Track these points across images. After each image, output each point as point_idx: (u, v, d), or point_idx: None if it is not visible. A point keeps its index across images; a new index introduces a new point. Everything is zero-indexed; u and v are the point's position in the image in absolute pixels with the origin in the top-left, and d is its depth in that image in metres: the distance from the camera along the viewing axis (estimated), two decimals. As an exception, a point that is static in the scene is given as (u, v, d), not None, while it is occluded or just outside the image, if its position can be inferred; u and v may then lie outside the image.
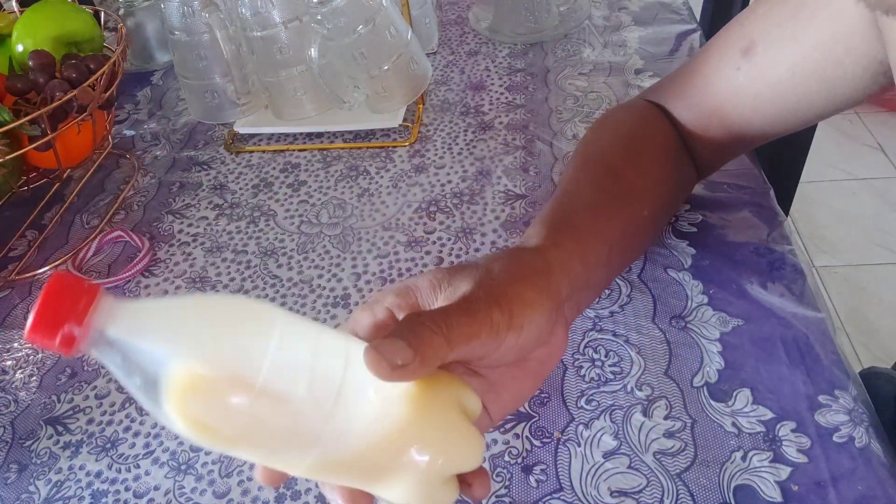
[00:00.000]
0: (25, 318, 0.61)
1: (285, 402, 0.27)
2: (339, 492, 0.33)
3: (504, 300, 0.34)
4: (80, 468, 0.50)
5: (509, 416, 0.48)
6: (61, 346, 0.25)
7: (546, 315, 0.36)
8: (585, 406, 0.48)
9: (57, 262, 0.66)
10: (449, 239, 0.62)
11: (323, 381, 0.28)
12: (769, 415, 0.46)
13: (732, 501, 0.42)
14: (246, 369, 0.26)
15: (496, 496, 0.44)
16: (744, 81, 0.49)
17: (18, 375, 0.57)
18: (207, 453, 0.49)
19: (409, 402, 0.30)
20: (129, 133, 0.82)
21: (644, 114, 0.54)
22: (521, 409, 0.48)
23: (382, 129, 0.76)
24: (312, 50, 0.67)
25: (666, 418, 0.46)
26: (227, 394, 0.26)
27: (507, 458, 0.46)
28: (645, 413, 0.47)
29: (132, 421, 0.52)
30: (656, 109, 0.54)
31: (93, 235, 0.68)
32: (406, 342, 0.29)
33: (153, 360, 0.26)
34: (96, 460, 0.50)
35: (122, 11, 0.89)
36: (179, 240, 0.67)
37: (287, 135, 0.77)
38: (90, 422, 0.53)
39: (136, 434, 0.51)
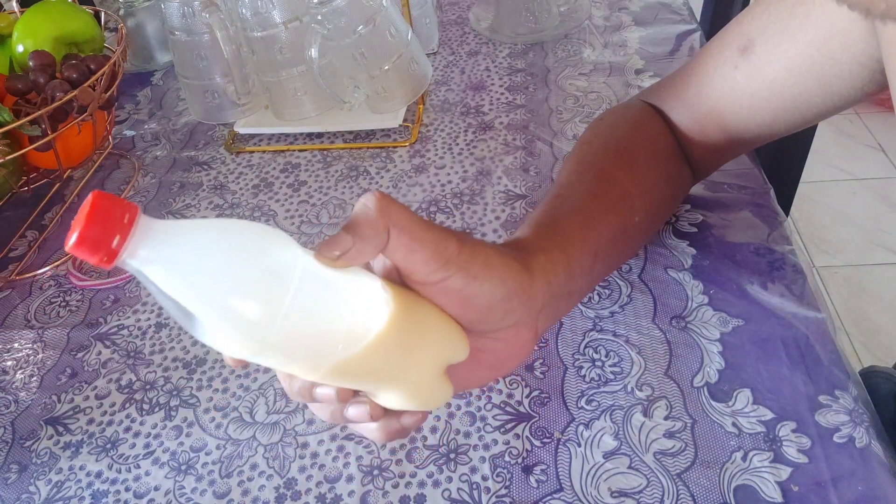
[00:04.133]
0: (26, 319, 0.61)
1: (305, 325, 0.29)
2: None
3: (467, 245, 0.34)
4: (81, 468, 0.50)
5: (509, 416, 0.48)
6: (102, 259, 0.26)
7: (503, 295, 0.35)
8: (586, 406, 0.48)
9: (57, 263, 0.66)
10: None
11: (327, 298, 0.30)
12: (769, 415, 0.46)
13: (733, 501, 0.42)
14: (270, 301, 0.28)
15: (496, 496, 0.45)
16: (741, 80, 0.49)
17: (19, 376, 0.57)
18: (208, 453, 0.49)
19: (395, 307, 0.32)
20: (130, 133, 0.82)
21: (640, 116, 0.54)
22: (522, 410, 0.49)
23: (382, 130, 0.76)
24: (313, 50, 0.67)
25: (666, 418, 0.46)
26: (253, 327, 0.28)
27: (507, 459, 0.46)
28: (645, 413, 0.47)
29: (132, 421, 0.52)
30: (652, 111, 0.54)
31: (93, 236, 0.68)
32: (348, 233, 0.31)
33: (186, 292, 0.27)
34: (96, 460, 0.50)
35: (122, 12, 0.89)
36: (180, 240, 0.67)
37: (287, 135, 0.77)
38: (90, 422, 0.53)
39: (137, 434, 0.51)
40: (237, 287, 0.27)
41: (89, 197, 0.26)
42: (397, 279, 0.34)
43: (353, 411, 0.34)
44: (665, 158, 0.52)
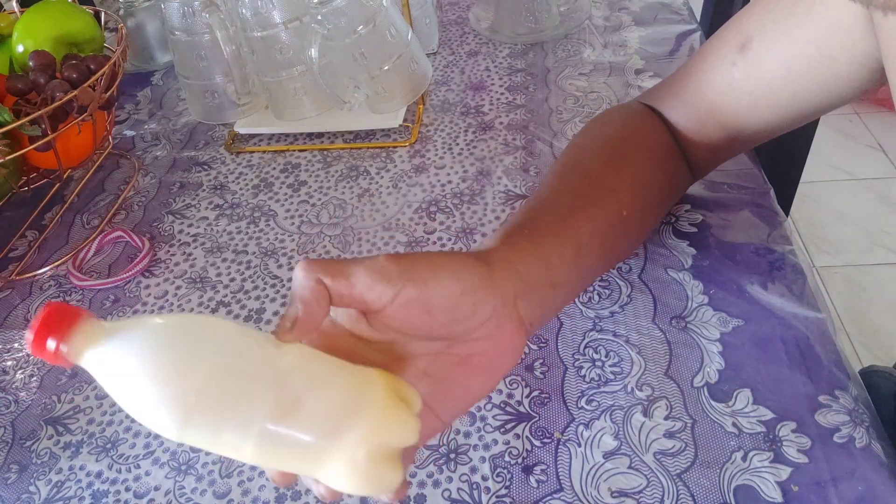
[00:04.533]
0: (26, 319, 0.61)
1: (229, 391, 0.30)
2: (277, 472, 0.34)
3: (403, 258, 0.35)
4: (81, 468, 0.50)
5: (509, 416, 0.48)
6: (53, 359, 0.30)
7: (459, 288, 0.35)
8: (586, 406, 0.48)
9: (57, 263, 0.66)
10: (449, 239, 0.62)
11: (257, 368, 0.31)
12: (769, 415, 0.46)
13: (733, 502, 0.42)
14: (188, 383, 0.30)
15: (496, 496, 0.44)
16: (739, 77, 0.49)
17: (19, 376, 0.57)
18: (208, 454, 0.49)
19: (331, 374, 0.32)
20: (130, 133, 0.82)
21: (632, 115, 0.54)
22: (522, 410, 0.49)
23: (383, 130, 0.76)
24: (312, 50, 0.67)
25: (666, 418, 0.46)
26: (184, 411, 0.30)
27: (507, 459, 0.46)
28: (645, 413, 0.47)
29: (132, 421, 0.52)
30: (647, 110, 0.54)
31: (93, 236, 0.68)
32: (292, 304, 0.33)
33: (126, 384, 0.30)
34: (97, 460, 0.50)
35: (122, 12, 0.89)
36: (180, 240, 0.67)
37: (287, 135, 0.77)
38: (90, 422, 0.53)
39: (137, 434, 0.51)
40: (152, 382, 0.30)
41: (42, 308, 0.30)
42: (370, 334, 0.36)
43: (315, 490, 0.35)
44: (657, 154, 0.52)
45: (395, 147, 0.74)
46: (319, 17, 0.65)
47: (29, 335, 0.30)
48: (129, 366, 0.30)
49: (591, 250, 0.45)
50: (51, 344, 0.30)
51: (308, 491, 0.46)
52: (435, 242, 0.62)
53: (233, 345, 0.31)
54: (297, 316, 0.32)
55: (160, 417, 0.30)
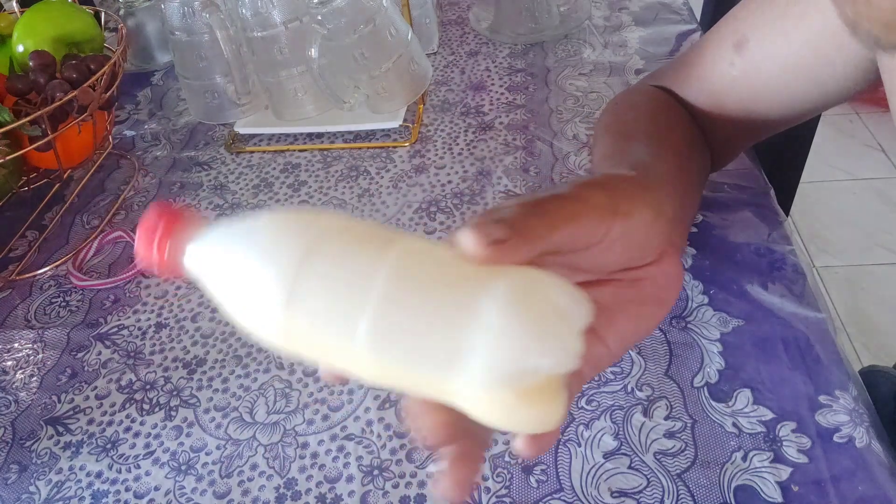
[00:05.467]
0: (26, 319, 0.61)
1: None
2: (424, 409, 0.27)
3: (605, 185, 0.31)
4: (81, 468, 0.50)
5: (510, 417, 0.48)
6: (159, 261, 0.28)
7: (651, 215, 0.32)
8: (586, 406, 0.48)
9: (57, 263, 0.66)
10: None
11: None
12: (769, 415, 0.46)
13: (733, 502, 0.42)
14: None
15: (496, 496, 0.44)
16: (738, 76, 0.49)
17: (19, 376, 0.57)
18: (208, 453, 0.49)
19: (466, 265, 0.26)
20: (130, 133, 0.82)
21: (656, 93, 0.54)
22: (522, 410, 0.48)
23: (383, 130, 0.76)
24: (313, 50, 0.67)
25: (666, 418, 0.46)
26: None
27: (507, 459, 0.46)
28: (645, 413, 0.47)
29: (132, 421, 0.52)
30: (667, 92, 0.54)
31: (93, 236, 0.68)
32: (502, 222, 0.26)
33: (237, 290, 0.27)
34: (97, 461, 0.50)
35: (122, 12, 0.89)
36: (180, 240, 0.67)
37: (287, 135, 0.77)
38: (90, 422, 0.53)
39: (137, 434, 0.51)
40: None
41: (148, 209, 0.29)
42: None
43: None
44: (692, 124, 0.52)
45: (395, 147, 0.74)
46: (319, 17, 0.65)
47: (138, 243, 0.28)
48: (234, 249, 0.27)
49: (690, 193, 0.44)
50: (158, 246, 0.28)
51: (308, 491, 0.46)
52: (435, 242, 0.62)
53: (354, 226, 0.27)
54: (507, 239, 0.26)
55: (263, 297, 0.26)
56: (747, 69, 0.49)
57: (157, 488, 0.48)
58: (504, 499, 0.44)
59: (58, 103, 0.60)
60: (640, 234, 0.31)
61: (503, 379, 0.24)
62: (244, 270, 0.27)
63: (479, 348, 0.24)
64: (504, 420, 0.25)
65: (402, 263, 0.25)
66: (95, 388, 0.55)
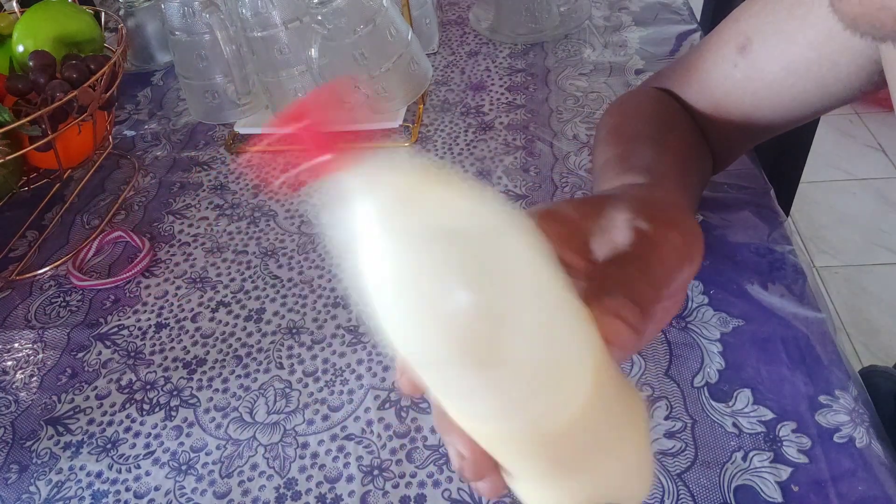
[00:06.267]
0: (26, 319, 0.61)
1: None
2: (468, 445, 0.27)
3: (675, 222, 0.32)
4: (81, 468, 0.50)
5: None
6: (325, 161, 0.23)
7: (700, 242, 0.33)
8: (586, 406, 0.48)
9: (57, 263, 0.66)
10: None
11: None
12: (769, 415, 0.46)
13: (733, 502, 0.42)
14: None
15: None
16: (741, 78, 0.49)
17: (19, 376, 0.57)
18: (208, 454, 0.49)
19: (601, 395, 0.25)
20: (130, 133, 0.82)
21: (659, 95, 0.54)
22: (522, 410, 0.48)
23: (383, 130, 0.75)
24: (312, 50, 0.67)
25: (666, 418, 0.46)
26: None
27: (507, 459, 0.46)
28: (645, 413, 0.47)
29: (132, 421, 0.52)
30: (671, 95, 0.54)
31: (93, 236, 0.68)
32: (626, 298, 0.27)
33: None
34: (97, 461, 0.50)
35: (122, 12, 0.89)
36: (180, 240, 0.67)
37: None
38: (91, 422, 0.53)
39: (137, 434, 0.51)
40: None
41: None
42: None
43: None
44: (693, 128, 0.52)
45: (395, 147, 0.74)
46: (319, 17, 0.65)
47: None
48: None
49: (692, 203, 0.45)
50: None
51: (308, 491, 0.46)
52: (435, 242, 0.62)
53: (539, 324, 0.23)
54: (638, 323, 0.27)
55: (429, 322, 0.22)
56: (750, 71, 0.49)
57: (157, 488, 0.48)
58: (504, 499, 0.44)
59: (58, 103, 0.60)
60: (695, 273, 0.33)
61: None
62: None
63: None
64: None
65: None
66: (95, 388, 0.55)
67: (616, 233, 0.31)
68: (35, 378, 0.57)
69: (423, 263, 0.22)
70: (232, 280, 0.62)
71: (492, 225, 0.24)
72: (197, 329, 0.58)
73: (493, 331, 0.22)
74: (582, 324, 0.25)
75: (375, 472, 0.47)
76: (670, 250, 0.31)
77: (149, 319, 0.60)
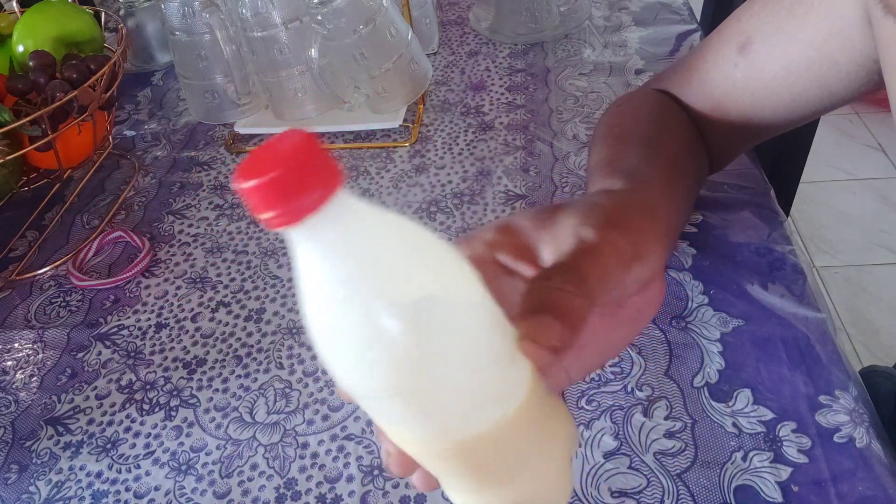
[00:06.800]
0: (26, 319, 0.61)
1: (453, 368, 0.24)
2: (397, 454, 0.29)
3: (622, 225, 0.32)
4: (81, 468, 0.50)
5: (510, 417, 0.48)
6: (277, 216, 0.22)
7: (661, 246, 0.33)
8: (586, 406, 0.48)
9: (57, 263, 0.66)
10: (449, 239, 0.62)
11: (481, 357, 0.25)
12: (769, 415, 0.46)
13: (733, 502, 0.42)
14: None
15: (496, 496, 0.44)
16: (741, 78, 0.49)
17: (19, 376, 0.57)
18: (208, 454, 0.49)
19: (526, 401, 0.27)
20: (130, 133, 0.82)
21: (659, 96, 0.54)
22: (522, 410, 0.48)
23: (383, 130, 0.75)
24: (312, 50, 0.67)
25: (666, 419, 0.46)
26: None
27: (507, 459, 0.46)
28: (645, 413, 0.47)
29: (132, 421, 0.52)
30: (670, 97, 0.54)
31: (93, 236, 0.68)
32: (552, 315, 0.28)
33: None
34: (97, 461, 0.50)
35: (122, 12, 0.89)
36: (180, 240, 0.67)
37: (287, 135, 0.77)
38: (90, 422, 0.53)
39: (137, 434, 0.51)
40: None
41: (292, 136, 0.21)
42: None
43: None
44: (691, 130, 0.52)
45: (395, 147, 0.74)
46: (319, 17, 0.65)
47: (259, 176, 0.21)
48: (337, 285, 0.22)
49: (677, 205, 0.44)
50: (301, 202, 0.22)
51: (308, 491, 0.46)
52: (435, 242, 0.62)
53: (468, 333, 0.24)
54: (565, 342, 0.28)
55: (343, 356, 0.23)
56: (751, 70, 0.49)
57: (157, 488, 0.48)
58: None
59: (58, 103, 0.60)
60: (649, 272, 0.33)
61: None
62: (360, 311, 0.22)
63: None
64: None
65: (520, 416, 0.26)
66: (95, 388, 0.55)
67: (562, 241, 0.32)
68: (35, 378, 0.57)
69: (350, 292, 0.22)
70: (232, 280, 0.62)
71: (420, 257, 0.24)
72: (197, 329, 0.58)
73: (417, 364, 0.23)
74: (509, 347, 0.26)
75: (375, 472, 0.47)
76: (612, 255, 0.31)
77: (149, 319, 0.60)
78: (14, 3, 0.76)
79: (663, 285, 0.35)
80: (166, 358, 0.56)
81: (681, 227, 0.47)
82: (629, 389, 0.48)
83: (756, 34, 0.48)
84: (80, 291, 0.64)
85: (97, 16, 0.75)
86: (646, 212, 0.35)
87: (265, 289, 0.61)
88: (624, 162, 0.44)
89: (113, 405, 0.54)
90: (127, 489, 0.48)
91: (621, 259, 0.31)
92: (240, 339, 0.57)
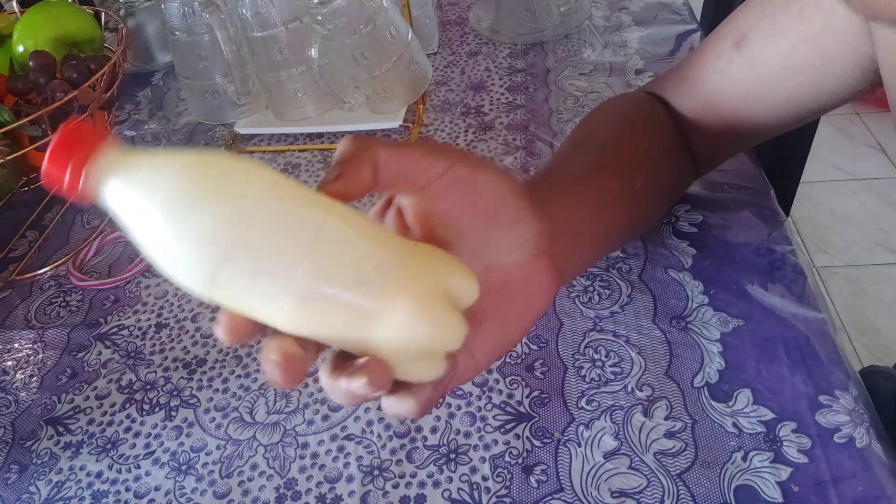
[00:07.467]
0: (26, 319, 0.61)
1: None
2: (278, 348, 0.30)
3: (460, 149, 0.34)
4: (81, 469, 0.50)
5: (509, 416, 0.48)
6: (70, 188, 0.27)
7: (546, 227, 0.35)
8: (586, 406, 0.48)
9: (57, 263, 0.66)
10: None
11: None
12: (770, 415, 0.46)
13: (733, 502, 0.42)
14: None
15: (496, 496, 0.44)
16: (735, 73, 0.49)
17: (19, 376, 0.57)
18: (208, 454, 0.49)
19: (383, 233, 0.30)
20: (130, 133, 0.82)
21: (642, 102, 0.54)
22: (522, 410, 0.49)
23: (383, 130, 0.76)
24: (313, 50, 0.67)
25: (666, 419, 0.46)
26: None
27: (507, 459, 0.46)
28: (645, 413, 0.47)
29: (132, 421, 0.52)
30: (654, 98, 0.54)
31: (93, 236, 0.68)
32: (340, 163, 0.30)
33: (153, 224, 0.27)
34: (97, 461, 0.50)
35: (122, 12, 0.89)
36: (180, 240, 0.67)
37: (287, 135, 0.77)
38: (90, 422, 0.53)
39: (137, 434, 0.51)
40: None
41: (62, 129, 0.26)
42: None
43: (355, 385, 0.30)
44: (666, 136, 0.52)
45: (395, 147, 0.74)
46: (319, 17, 0.65)
47: (45, 161, 0.26)
48: (156, 203, 0.26)
49: (614, 217, 0.45)
50: (71, 169, 0.26)
51: (308, 491, 0.46)
52: (435, 242, 0.62)
53: (275, 190, 0.28)
54: (342, 168, 0.30)
55: (187, 261, 0.27)
56: (745, 65, 0.49)
57: (157, 488, 0.48)
58: (504, 499, 0.44)
59: (58, 103, 0.60)
60: (490, 194, 0.33)
61: (399, 349, 0.29)
62: (167, 238, 0.27)
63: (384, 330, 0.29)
64: (429, 327, 0.30)
65: (321, 256, 0.28)
66: (95, 388, 0.55)
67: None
68: (35, 378, 0.57)
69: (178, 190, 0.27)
70: (232, 280, 0.62)
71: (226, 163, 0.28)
72: (197, 329, 0.58)
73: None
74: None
75: (375, 472, 0.47)
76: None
77: (149, 319, 0.60)
78: (14, 3, 0.76)
79: (550, 272, 0.36)
80: (166, 358, 0.56)
81: (615, 232, 0.47)
82: (629, 389, 0.48)
83: (751, 30, 0.48)
84: (81, 291, 0.64)
85: (97, 16, 0.75)
86: (546, 198, 0.37)
87: (265, 289, 0.61)
88: (565, 164, 0.46)
89: (113, 405, 0.54)
90: (127, 489, 0.48)
91: (440, 149, 0.32)
92: (240, 339, 0.57)
